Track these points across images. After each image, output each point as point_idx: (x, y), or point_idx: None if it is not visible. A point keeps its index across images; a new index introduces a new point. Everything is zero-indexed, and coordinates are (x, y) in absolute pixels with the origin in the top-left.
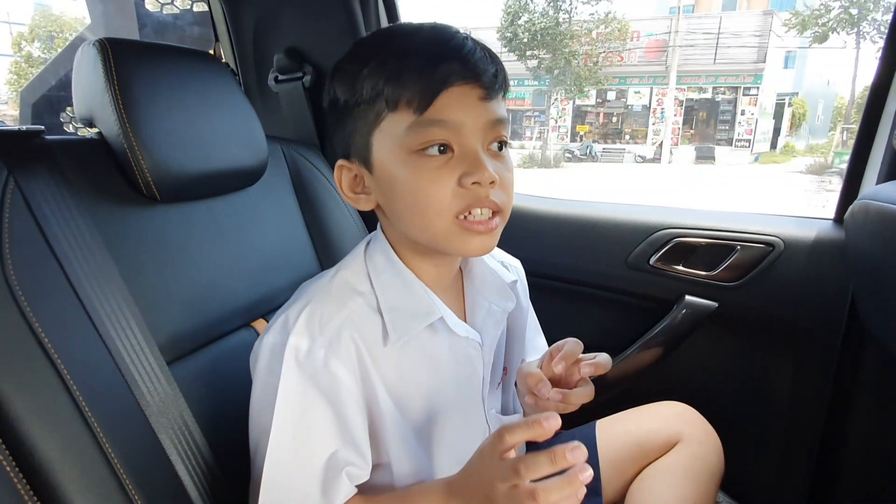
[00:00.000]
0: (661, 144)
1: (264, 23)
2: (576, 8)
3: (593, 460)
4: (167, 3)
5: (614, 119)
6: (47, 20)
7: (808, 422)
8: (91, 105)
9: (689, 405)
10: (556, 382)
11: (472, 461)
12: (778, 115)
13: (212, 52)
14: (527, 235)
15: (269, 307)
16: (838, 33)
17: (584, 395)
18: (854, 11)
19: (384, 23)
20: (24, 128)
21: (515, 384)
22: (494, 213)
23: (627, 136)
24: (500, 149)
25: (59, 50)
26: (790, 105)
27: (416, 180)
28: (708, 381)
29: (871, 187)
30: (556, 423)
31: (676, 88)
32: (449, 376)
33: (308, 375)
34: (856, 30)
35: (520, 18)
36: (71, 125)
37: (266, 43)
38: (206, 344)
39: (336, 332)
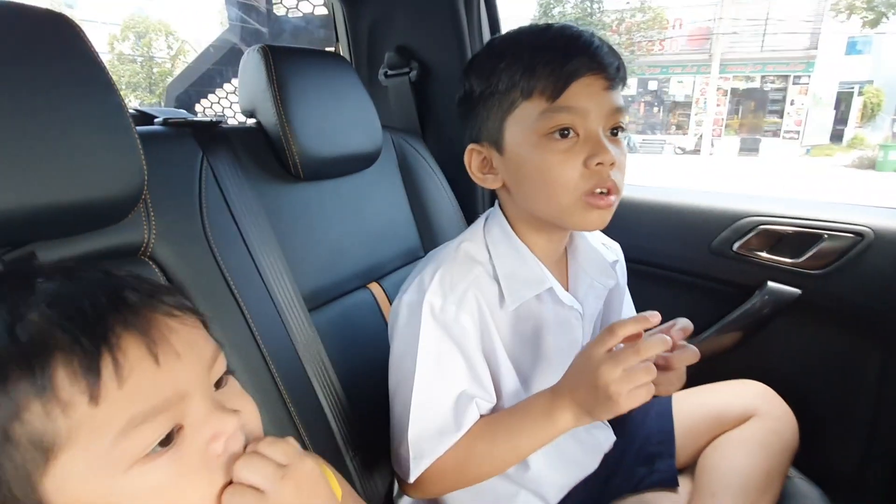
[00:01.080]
0: (702, 136)
1: (378, 24)
2: None
3: (668, 426)
4: (292, 8)
5: (655, 109)
6: (136, 22)
7: (894, 413)
8: (253, 99)
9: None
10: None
11: (575, 363)
12: (845, 106)
13: (333, 51)
14: (613, 220)
15: (380, 273)
16: (888, 18)
17: (686, 357)
18: None
19: (485, 24)
20: (212, 119)
21: None
22: (610, 192)
23: (674, 127)
24: (616, 134)
25: (144, 49)
26: (860, 94)
27: (545, 161)
28: (788, 365)
29: None
30: (657, 317)
31: (721, 77)
32: (553, 340)
33: (442, 326)
34: None
35: (553, 10)
36: (205, 113)
37: (378, 42)
38: (334, 299)
39: (463, 292)
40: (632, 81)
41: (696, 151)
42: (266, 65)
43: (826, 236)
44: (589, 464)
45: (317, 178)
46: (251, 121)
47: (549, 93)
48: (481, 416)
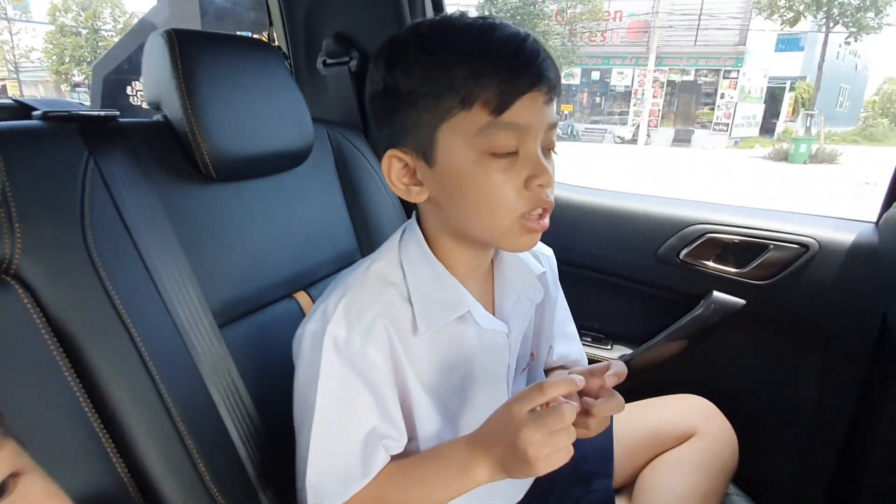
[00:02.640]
0: (638, 126)
1: (316, 8)
2: None
3: (607, 443)
4: None
5: (597, 99)
6: None
7: (831, 426)
8: (159, 91)
9: (708, 400)
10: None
11: (497, 416)
12: (776, 100)
13: (265, 35)
14: (558, 224)
15: (309, 280)
16: (805, 17)
17: (609, 407)
18: None
19: (429, 10)
20: (102, 112)
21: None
22: (545, 212)
23: (616, 116)
24: (550, 148)
25: (88, 21)
26: (792, 90)
27: (485, 180)
28: (730, 377)
29: None
30: (583, 382)
31: (657, 70)
32: (476, 363)
33: (347, 361)
34: (823, 14)
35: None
36: (137, 97)
37: (316, 28)
38: (253, 311)
39: (371, 322)
40: (575, 71)
41: (634, 140)
42: (171, 51)
43: (772, 246)
44: (512, 494)
45: (233, 178)
46: (159, 115)
47: (494, 107)
48: (392, 457)
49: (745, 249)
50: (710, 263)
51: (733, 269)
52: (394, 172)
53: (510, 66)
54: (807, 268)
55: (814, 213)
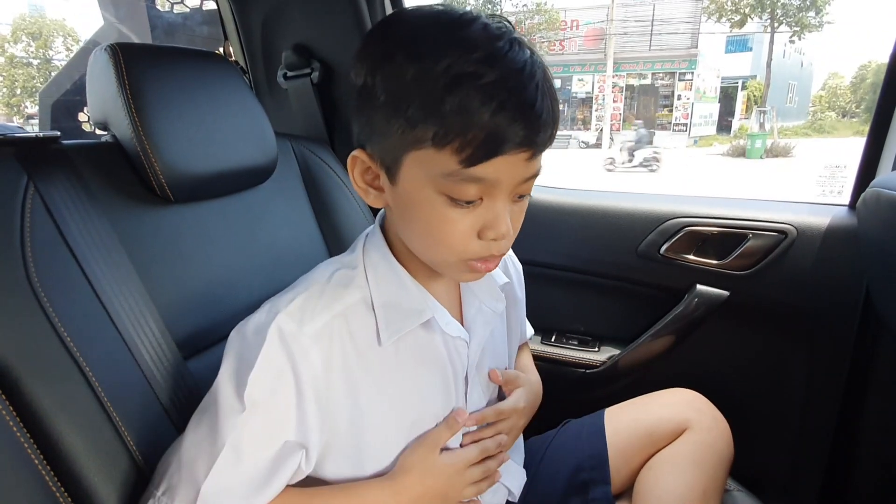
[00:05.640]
0: (602, 130)
1: (272, 20)
2: None
3: (601, 448)
4: (177, 3)
5: (561, 106)
6: (29, 23)
7: (823, 410)
8: (105, 109)
9: (699, 393)
10: None
11: (411, 461)
12: (730, 99)
13: (221, 50)
14: (538, 226)
15: None
16: (751, 19)
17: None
18: None
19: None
20: (41, 134)
21: None
22: (493, 258)
23: (580, 122)
24: (522, 196)
25: (40, 50)
26: (744, 88)
27: (437, 218)
28: (720, 370)
29: (885, 174)
30: (463, 416)
31: (616, 75)
32: (441, 371)
33: (287, 357)
34: (768, 15)
35: None
36: (90, 122)
37: (274, 40)
38: (222, 339)
39: (324, 326)
40: None
41: (598, 145)
42: (116, 67)
43: (751, 235)
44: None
45: (192, 199)
46: (109, 133)
47: (464, 157)
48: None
49: (724, 240)
50: (692, 256)
51: (715, 261)
52: (357, 172)
53: (495, 118)
54: (787, 254)
55: (789, 199)
